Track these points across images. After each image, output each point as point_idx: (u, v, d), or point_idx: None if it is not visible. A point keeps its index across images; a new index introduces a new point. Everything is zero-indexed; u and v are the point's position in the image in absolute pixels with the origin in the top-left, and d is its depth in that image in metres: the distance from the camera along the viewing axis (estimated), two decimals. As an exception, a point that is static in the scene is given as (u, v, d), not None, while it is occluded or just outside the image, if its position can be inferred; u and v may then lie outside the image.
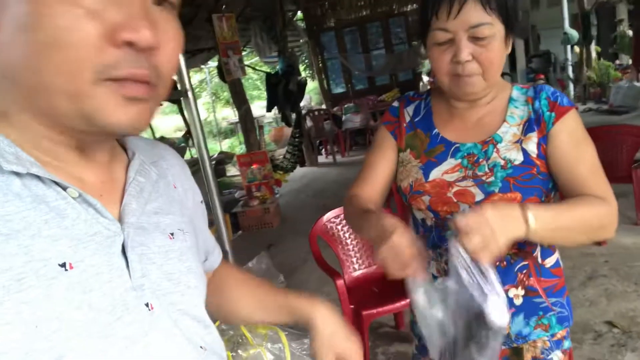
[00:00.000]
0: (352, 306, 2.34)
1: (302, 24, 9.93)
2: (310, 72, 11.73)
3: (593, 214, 0.92)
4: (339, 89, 10.65)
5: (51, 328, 0.45)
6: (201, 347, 0.62)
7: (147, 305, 0.54)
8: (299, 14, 9.21)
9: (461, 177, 1.01)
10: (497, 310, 0.76)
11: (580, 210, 0.92)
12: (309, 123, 8.30)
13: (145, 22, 0.46)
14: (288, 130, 8.38)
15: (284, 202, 5.96)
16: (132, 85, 0.47)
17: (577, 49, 9.53)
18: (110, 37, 0.45)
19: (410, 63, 9.93)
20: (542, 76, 10.38)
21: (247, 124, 5.94)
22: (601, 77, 8.97)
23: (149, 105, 0.50)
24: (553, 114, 0.98)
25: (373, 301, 2.36)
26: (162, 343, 0.55)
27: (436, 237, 1.06)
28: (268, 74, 7.05)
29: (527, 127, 1.00)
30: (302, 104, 7.51)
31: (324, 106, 10.26)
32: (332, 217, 2.66)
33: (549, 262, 1.06)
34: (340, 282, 2.33)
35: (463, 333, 0.82)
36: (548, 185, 1.00)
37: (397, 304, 2.30)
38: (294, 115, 7.12)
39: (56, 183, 0.49)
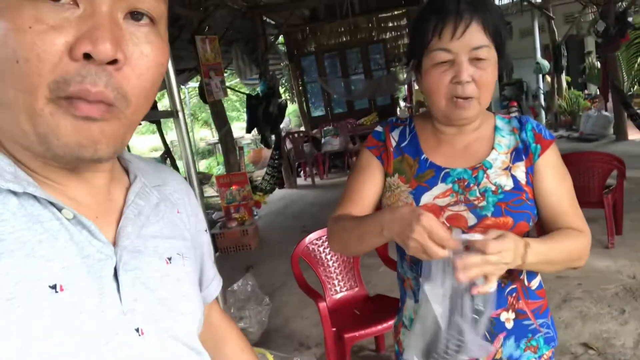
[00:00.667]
0: (333, 329, 2.32)
1: (283, 48, 10.06)
2: (290, 94, 11.83)
3: (575, 247, 0.99)
4: (318, 112, 10.76)
5: (38, 350, 0.44)
6: None
7: (137, 330, 0.52)
8: (281, 38, 9.34)
9: (453, 202, 1.01)
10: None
11: (566, 244, 0.98)
12: (288, 145, 8.34)
13: (105, 34, 0.44)
14: (267, 152, 8.40)
15: (263, 224, 5.92)
16: (84, 105, 0.44)
17: (548, 78, 9.89)
18: (69, 50, 0.43)
19: (389, 88, 10.13)
20: (515, 103, 10.71)
21: (228, 144, 5.93)
22: (571, 105, 9.31)
23: (110, 128, 0.47)
24: (539, 146, 1.03)
25: (355, 324, 2.34)
26: None
27: (426, 262, 1.04)
28: (249, 96, 7.09)
29: (515, 155, 1.03)
30: (281, 126, 7.55)
31: (302, 128, 10.34)
32: (315, 239, 2.65)
33: (534, 283, 1.08)
34: (322, 304, 2.32)
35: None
36: (534, 210, 1.02)
37: (379, 327, 2.29)
38: (273, 137, 7.15)
39: (52, 204, 0.49)
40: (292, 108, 11.74)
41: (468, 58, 0.93)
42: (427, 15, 0.97)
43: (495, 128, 1.07)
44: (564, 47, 9.08)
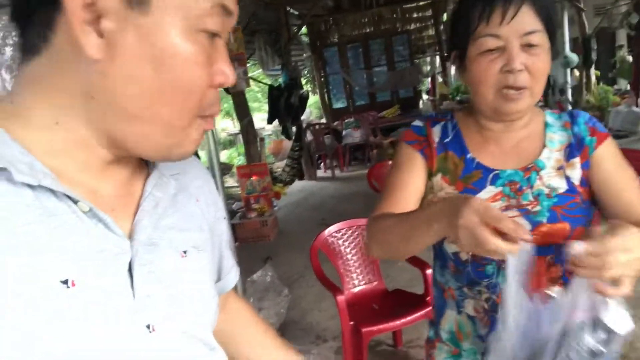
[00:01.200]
0: (351, 322, 2.31)
1: (306, 39, 10.01)
2: (312, 86, 11.80)
3: None
4: (339, 104, 10.71)
5: (47, 347, 0.44)
6: None
7: (148, 327, 0.52)
8: (304, 28, 9.30)
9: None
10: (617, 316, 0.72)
11: None
12: (309, 137, 8.32)
13: (231, 67, 0.52)
14: (287, 144, 8.39)
15: (282, 216, 5.94)
16: (212, 121, 0.54)
17: (576, 72, 9.62)
18: (211, 81, 0.50)
19: (412, 80, 10.01)
20: (542, 98, 10.49)
21: (249, 135, 5.95)
22: (600, 101, 9.05)
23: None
24: (594, 139, 0.95)
25: (373, 318, 2.33)
26: None
27: (473, 272, 0.97)
28: (271, 87, 7.09)
29: (569, 152, 0.96)
30: (302, 117, 7.54)
31: (323, 120, 10.30)
32: (334, 231, 2.64)
33: None
34: (340, 297, 2.31)
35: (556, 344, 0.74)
36: (591, 214, 0.96)
37: (398, 322, 2.28)
38: (294, 128, 7.14)
39: (68, 196, 0.48)
40: (313, 99, 11.68)
41: (519, 44, 0.86)
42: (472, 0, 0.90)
43: (546, 124, 0.99)
44: (594, 41, 8.81)
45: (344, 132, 8.85)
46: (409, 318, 2.28)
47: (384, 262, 2.86)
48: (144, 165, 0.61)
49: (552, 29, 0.89)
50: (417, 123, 1.06)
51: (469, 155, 0.98)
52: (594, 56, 8.86)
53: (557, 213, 0.91)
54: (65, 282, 0.46)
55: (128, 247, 0.52)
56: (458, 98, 10.00)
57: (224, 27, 0.50)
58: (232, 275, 0.79)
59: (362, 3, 8.03)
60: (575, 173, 0.94)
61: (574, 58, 9.23)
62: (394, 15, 10.18)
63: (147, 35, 0.45)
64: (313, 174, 8.17)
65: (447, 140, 1.01)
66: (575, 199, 0.93)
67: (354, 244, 2.69)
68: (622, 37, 10.25)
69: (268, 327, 0.84)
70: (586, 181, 0.95)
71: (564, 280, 0.94)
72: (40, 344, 0.43)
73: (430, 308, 2.33)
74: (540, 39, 0.86)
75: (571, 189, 0.93)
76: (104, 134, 0.50)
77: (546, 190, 0.93)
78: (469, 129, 1.01)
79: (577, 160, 0.95)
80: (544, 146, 0.97)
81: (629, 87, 9.27)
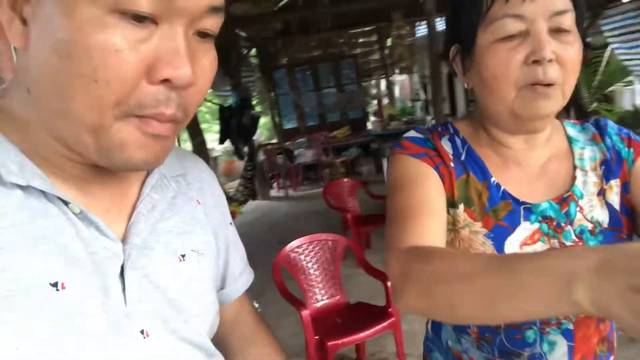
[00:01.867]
0: (316, 337, 2.32)
1: (255, 60, 10.09)
2: (263, 107, 11.85)
3: None
4: (290, 125, 10.81)
5: (35, 351, 0.42)
6: None
7: (142, 332, 0.50)
8: (253, 50, 9.38)
9: (545, 250, 0.72)
10: None
11: None
12: (261, 157, 8.33)
13: (186, 59, 0.43)
14: (239, 164, 8.34)
15: (238, 235, 5.85)
16: (157, 124, 0.44)
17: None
18: (147, 74, 0.42)
19: (360, 102, 10.34)
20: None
21: (202, 155, 5.85)
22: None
23: (170, 142, 0.48)
24: (631, 150, 0.76)
25: (337, 332, 2.35)
26: None
27: (507, 340, 0.76)
28: (222, 107, 7.06)
29: (606, 170, 0.76)
30: (254, 137, 7.55)
31: (274, 141, 10.35)
32: (296, 247, 2.65)
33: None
34: (305, 312, 2.31)
35: None
36: None
37: (362, 334, 2.30)
38: (246, 149, 7.12)
39: (59, 197, 0.47)
40: (263, 120, 11.73)
41: (547, 27, 0.65)
42: None
43: (570, 139, 0.80)
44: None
45: (296, 152, 8.93)
46: (372, 330, 2.32)
47: (344, 276, 2.90)
48: None
49: (579, 13, 0.69)
50: (416, 134, 0.81)
51: (492, 180, 0.75)
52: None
53: None
54: (54, 284, 0.44)
55: (120, 250, 0.50)
56: (404, 119, 10.37)
57: (164, 9, 0.41)
58: (242, 281, 0.74)
59: (311, 27, 8.24)
60: (615, 198, 0.76)
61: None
62: (341, 40, 10.49)
63: (52, 19, 0.40)
64: (266, 193, 8.15)
65: (463, 158, 0.77)
66: (621, 234, 0.75)
67: (315, 258, 2.71)
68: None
69: (274, 351, 0.76)
70: (627, 209, 0.76)
71: (608, 337, 0.79)
72: (30, 348, 0.42)
73: (393, 319, 2.40)
74: (572, 22, 0.67)
75: (615, 220, 0.75)
76: (52, 134, 0.46)
77: (589, 226, 0.74)
78: (480, 146, 0.78)
79: (615, 183, 0.76)
80: (574, 167, 0.77)
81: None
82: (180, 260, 0.57)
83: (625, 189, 0.76)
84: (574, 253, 0.45)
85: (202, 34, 0.46)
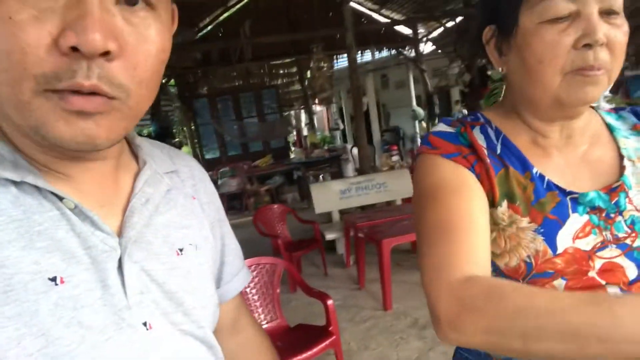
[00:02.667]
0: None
1: (174, 90, 9.92)
2: (183, 136, 11.59)
3: None
4: (211, 154, 10.66)
5: (36, 346, 0.42)
6: None
7: (145, 324, 0.50)
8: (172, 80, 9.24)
9: (599, 244, 0.67)
10: None
11: None
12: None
13: (93, 23, 0.39)
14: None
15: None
16: (76, 99, 0.41)
17: (423, 124, 11.00)
18: (55, 42, 0.40)
19: (282, 132, 10.47)
20: (395, 147, 11.74)
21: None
22: (445, 148, 10.41)
23: (108, 120, 0.44)
24: None
25: (279, 355, 2.33)
26: None
27: None
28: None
29: None
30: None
31: (196, 171, 10.13)
32: (234, 272, 2.62)
33: None
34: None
35: None
36: None
37: (305, 354, 2.31)
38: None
39: (53, 193, 0.47)
40: (184, 150, 11.45)
41: (598, 9, 0.63)
42: None
43: (610, 127, 0.76)
44: (436, 97, 10.25)
45: (219, 182, 8.80)
46: (314, 350, 2.34)
47: (282, 300, 2.90)
48: (134, 162, 0.59)
49: None
50: (444, 128, 0.76)
51: (535, 171, 0.71)
52: (436, 110, 10.26)
53: None
54: (53, 279, 0.45)
55: (117, 244, 0.50)
56: (326, 147, 10.67)
57: None
58: (239, 280, 0.73)
59: (231, 57, 8.30)
60: None
61: (421, 112, 10.61)
62: (262, 71, 10.66)
63: None
64: (189, 225, 7.89)
65: (499, 151, 0.73)
66: None
67: (253, 282, 2.69)
68: (456, 93, 12.05)
69: None
70: None
71: None
72: (30, 343, 0.42)
73: (334, 337, 2.43)
74: (621, 2, 0.64)
75: None
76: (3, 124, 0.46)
77: None
78: (517, 134, 0.74)
79: None
80: (620, 156, 0.73)
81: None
82: (178, 254, 0.57)
83: None
84: None
85: (131, 1, 0.44)
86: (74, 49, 0.39)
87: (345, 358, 2.72)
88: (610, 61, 0.64)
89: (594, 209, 0.69)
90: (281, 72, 11.02)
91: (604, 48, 0.63)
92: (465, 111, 10.04)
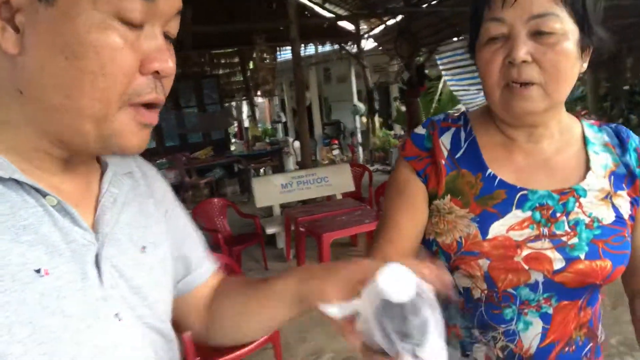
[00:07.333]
0: (197, 358, 2.26)
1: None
2: (116, 126, 11.09)
3: None
4: (147, 145, 10.24)
5: (25, 332, 0.46)
6: None
7: (116, 315, 0.54)
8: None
9: (533, 236, 0.77)
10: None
11: None
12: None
13: (168, 54, 0.52)
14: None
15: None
16: (147, 112, 0.53)
17: (364, 119, 11.21)
18: (142, 66, 0.51)
19: (223, 123, 10.26)
20: (336, 141, 11.89)
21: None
22: (383, 143, 10.68)
23: (150, 129, 0.56)
24: None
25: (218, 352, 2.32)
26: (130, 355, 0.55)
27: (486, 314, 0.81)
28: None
29: (615, 180, 0.80)
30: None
31: (131, 162, 9.71)
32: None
33: (602, 339, 0.88)
34: (186, 334, 2.24)
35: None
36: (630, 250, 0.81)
37: (243, 350, 2.32)
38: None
39: (36, 190, 0.50)
40: (117, 140, 10.96)
41: (527, 31, 0.71)
42: None
43: (586, 140, 0.84)
44: (376, 93, 10.47)
45: (156, 174, 8.51)
46: (251, 346, 2.35)
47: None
48: (96, 163, 0.62)
49: (583, 16, 0.71)
50: (420, 131, 0.87)
51: (488, 172, 0.81)
52: (376, 105, 10.50)
53: (599, 248, 0.76)
54: (38, 270, 0.48)
55: (94, 239, 0.54)
56: (267, 140, 10.61)
57: (150, 14, 0.50)
58: (204, 267, 0.76)
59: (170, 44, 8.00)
60: (625, 205, 0.80)
61: (361, 107, 10.80)
62: (202, 59, 10.38)
63: (55, 26, 0.46)
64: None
65: (459, 154, 0.83)
66: (622, 232, 0.78)
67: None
68: (395, 90, 12.39)
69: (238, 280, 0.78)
70: (635, 218, 0.81)
71: (590, 325, 0.83)
72: (18, 330, 0.45)
73: (274, 331, 2.44)
74: (557, 24, 0.70)
75: (619, 220, 0.78)
76: (43, 130, 0.51)
77: (587, 220, 0.77)
78: (488, 138, 0.84)
79: (623, 193, 0.80)
80: (587, 168, 0.81)
81: (403, 132, 11.19)
82: (142, 251, 0.61)
83: (636, 201, 0.80)
84: None
85: (166, 36, 0.54)
86: (154, 72, 0.51)
87: (284, 351, 2.74)
88: (539, 76, 0.72)
89: (541, 206, 0.78)
90: (223, 61, 10.79)
91: (530, 65, 0.72)
92: (403, 108, 10.36)
